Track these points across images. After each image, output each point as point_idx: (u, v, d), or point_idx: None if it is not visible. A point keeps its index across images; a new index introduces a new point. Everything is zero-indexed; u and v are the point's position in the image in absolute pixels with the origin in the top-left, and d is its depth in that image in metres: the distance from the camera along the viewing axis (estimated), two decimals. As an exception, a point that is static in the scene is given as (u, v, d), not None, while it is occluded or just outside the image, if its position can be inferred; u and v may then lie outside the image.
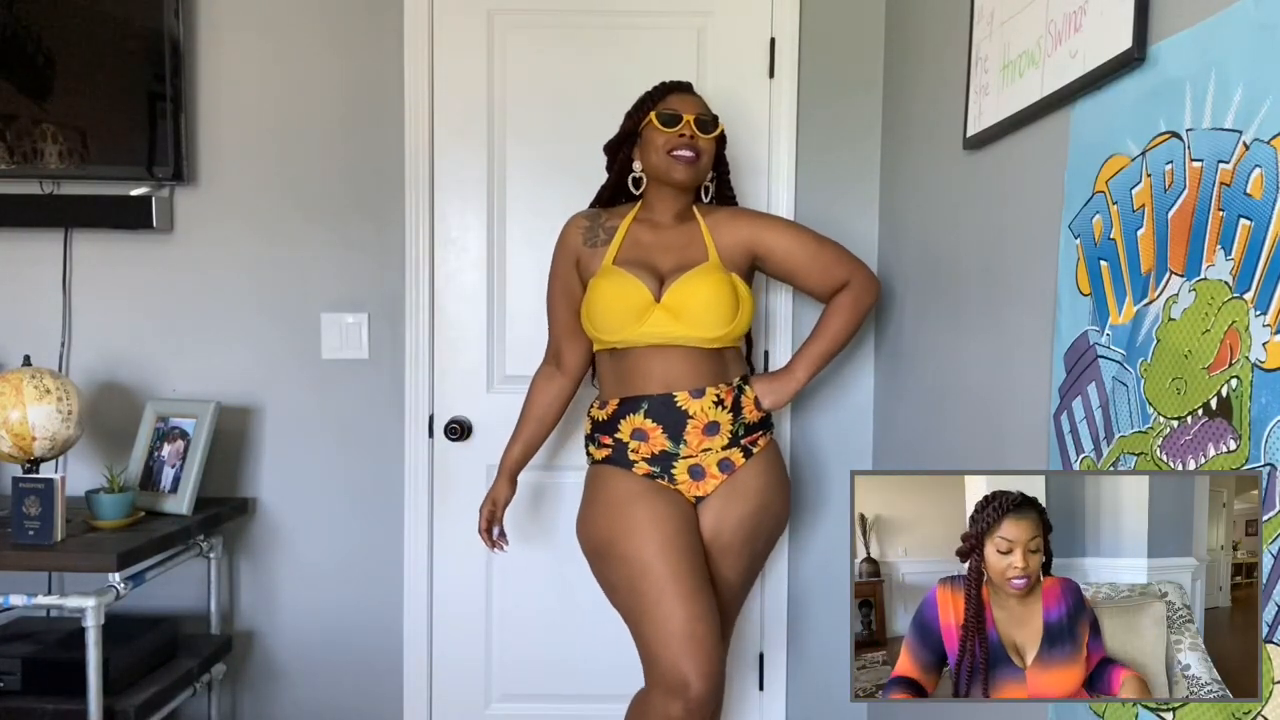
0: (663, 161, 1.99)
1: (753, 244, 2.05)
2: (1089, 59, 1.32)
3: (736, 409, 1.98)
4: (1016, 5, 1.58)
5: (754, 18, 2.45)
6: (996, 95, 1.66)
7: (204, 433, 2.31)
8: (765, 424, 2.05)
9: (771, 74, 2.46)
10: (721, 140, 2.10)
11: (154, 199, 2.41)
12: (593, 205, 2.17)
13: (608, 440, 2.00)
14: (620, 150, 2.10)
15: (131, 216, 2.41)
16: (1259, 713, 0.96)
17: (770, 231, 2.08)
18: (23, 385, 2.08)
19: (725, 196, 2.18)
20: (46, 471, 2.15)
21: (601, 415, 2.02)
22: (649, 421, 1.95)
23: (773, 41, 2.46)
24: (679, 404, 1.94)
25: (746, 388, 2.02)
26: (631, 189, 2.09)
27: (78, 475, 2.41)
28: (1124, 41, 1.22)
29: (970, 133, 1.79)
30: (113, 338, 2.50)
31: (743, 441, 1.99)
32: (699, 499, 1.99)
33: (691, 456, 1.96)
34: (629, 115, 2.08)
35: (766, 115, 2.46)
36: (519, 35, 2.45)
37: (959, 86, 1.85)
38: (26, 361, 2.18)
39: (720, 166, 2.14)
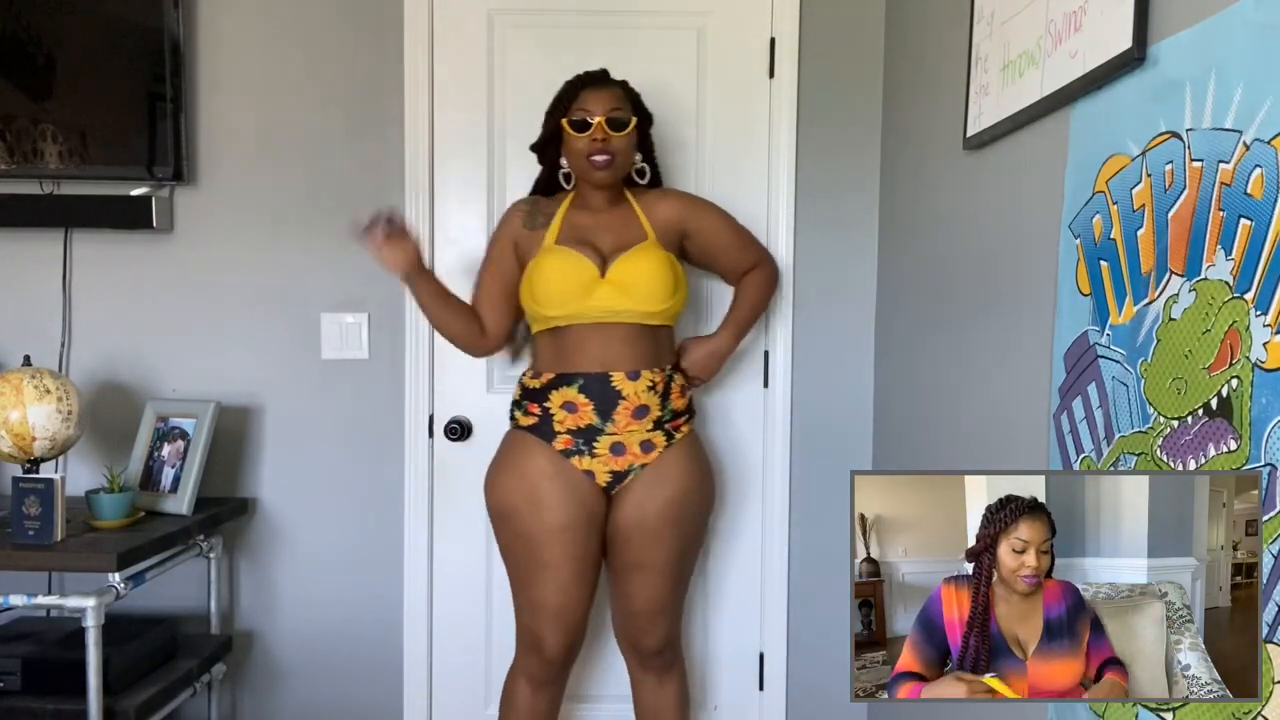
0: (581, 165, 2.05)
1: (682, 222, 2.14)
2: (1089, 59, 1.32)
3: (666, 394, 2.05)
4: (1016, 5, 1.58)
5: (754, 18, 2.45)
6: (996, 95, 1.66)
7: (204, 433, 2.31)
8: (689, 411, 2.13)
9: (771, 74, 2.46)
10: (647, 119, 2.13)
11: (154, 199, 2.41)
12: (531, 194, 2.22)
13: (535, 409, 2.05)
14: (546, 151, 2.15)
15: (131, 216, 2.41)
16: (1259, 713, 0.96)
17: (700, 211, 2.18)
18: (23, 385, 2.08)
19: (655, 176, 2.22)
20: (46, 471, 2.14)
21: (534, 384, 2.07)
22: (581, 396, 2.01)
23: (773, 41, 2.46)
24: (614, 384, 2.00)
25: (676, 375, 2.10)
26: (563, 183, 2.15)
27: (78, 475, 2.41)
28: (1124, 41, 1.22)
29: (970, 133, 1.79)
30: (113, 338, 2.50)
31: (666, 426, 2.05)
32: (612, 484, 2.03)
33: (616, 435, 2.01)
34: (549, 114, 2.11)
35: (766, 115, 2.46)
36: (519, 35, 2.45)
37: (959, 87, 1.85)
38: (26, 361, 2.18)
39: (645, 145, 2.17)
